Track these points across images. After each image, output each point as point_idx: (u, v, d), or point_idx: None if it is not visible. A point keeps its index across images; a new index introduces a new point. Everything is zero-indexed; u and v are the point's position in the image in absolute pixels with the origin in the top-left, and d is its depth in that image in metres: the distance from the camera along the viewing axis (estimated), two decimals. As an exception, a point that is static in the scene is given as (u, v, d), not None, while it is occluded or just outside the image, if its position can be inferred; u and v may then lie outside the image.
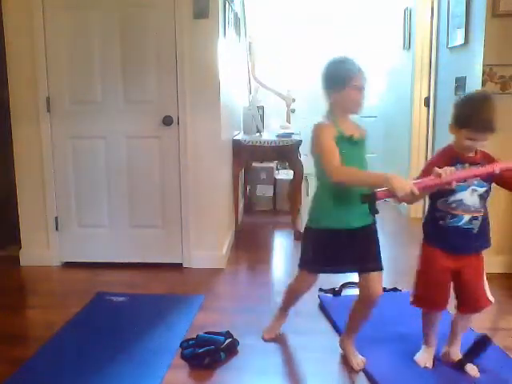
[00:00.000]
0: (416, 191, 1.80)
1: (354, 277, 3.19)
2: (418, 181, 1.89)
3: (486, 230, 2.11)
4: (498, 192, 3.12)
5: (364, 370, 2.16)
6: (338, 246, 2.10)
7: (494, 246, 3.25)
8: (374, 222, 2.14)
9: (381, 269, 2.14)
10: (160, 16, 3.27)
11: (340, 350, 2.31)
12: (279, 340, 2.41)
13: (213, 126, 3.37)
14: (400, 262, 3.66)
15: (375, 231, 2.16)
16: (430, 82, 4.59)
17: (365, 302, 2.19)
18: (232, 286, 3.26)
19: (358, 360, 2.23)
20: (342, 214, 2.07)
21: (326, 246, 2.12)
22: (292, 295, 2.41)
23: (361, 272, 2.15)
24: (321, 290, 2.96)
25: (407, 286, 3.05)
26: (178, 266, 3.47)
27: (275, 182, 5.28)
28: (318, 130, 2.04)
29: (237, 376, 2.18)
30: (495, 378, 2.09)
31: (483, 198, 2.06)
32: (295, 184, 4.33)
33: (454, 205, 2.01)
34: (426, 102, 4.71)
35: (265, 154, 4.30)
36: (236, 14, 4.35)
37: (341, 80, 2.01)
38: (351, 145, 2.04)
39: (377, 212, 1.84)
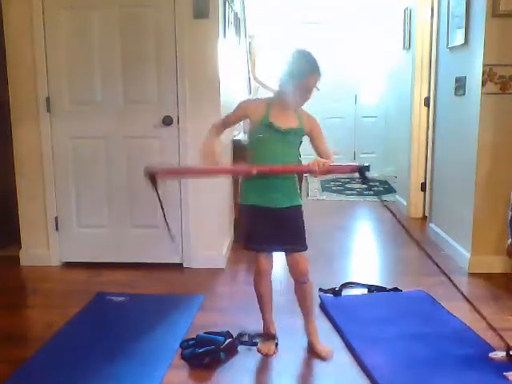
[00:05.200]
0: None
1: (354, 277, 3.22)
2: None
3: None
4: (497, 191, 3.14)
5: (364, 370, 2.16)
6: (262, 222, 2.20)
7: (493, 246, 3.28)
8: (299, 205, 2.27)
9: (303, 250, 2.26)
10: (160, 16, 3.27)
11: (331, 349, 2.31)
12: (279, 340, 2.41)
13: (213, 126, 3.36)
14: (400, 263, 3.67)
15: (298, 214, 2.26)
16: (430, 82, 4.59)
17: (296, 280, 2.33)
18: (232, 286, 3.26)
19: (324, 348, 2.31)
20: (263, 192, 2.19)
21: (252, 222, 2.24)
22: (257, 292, 2.38)
23: (286, 253, 2.28)
24: (321, 289, 2.96)
25: (407, 286, 3.06)
26: (178, 266, 3.47)
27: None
28: (242, 102, 2.30)
29: (237, 376, 2.18)
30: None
31: None
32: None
33: None
34: (426, 102, 4.71)
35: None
36: (236, 14, 4.35)
37: (293, 74, 2.10)
38: (274, 132, 2.14)
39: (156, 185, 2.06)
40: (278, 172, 2.17)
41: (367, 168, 2.12)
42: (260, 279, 2.35)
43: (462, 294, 2.25)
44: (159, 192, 2.08)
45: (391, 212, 2.33)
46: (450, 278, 2.22)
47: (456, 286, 2.25)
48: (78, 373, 2.15)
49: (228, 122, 2.34)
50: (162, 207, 2.20)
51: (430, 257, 2.19)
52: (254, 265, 2.35)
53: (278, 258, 2.39)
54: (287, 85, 2.12)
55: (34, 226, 3.53)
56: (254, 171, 2.10)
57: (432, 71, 4.41)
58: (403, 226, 2.47)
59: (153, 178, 2.06)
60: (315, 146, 2.25)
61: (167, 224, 2.27)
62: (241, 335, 2.38)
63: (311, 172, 2.10)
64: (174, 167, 2.51)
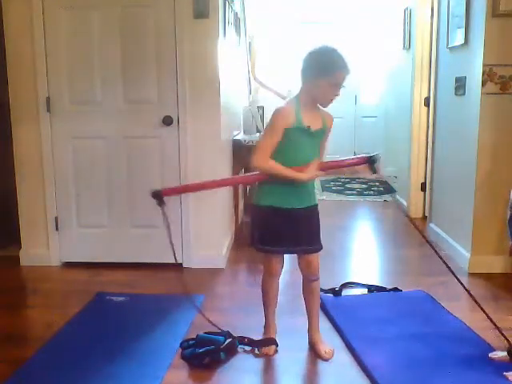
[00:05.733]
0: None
1: (354, 277, 3.22)
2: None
3: None
4: (497, 191, 3.14)
5: (364, 370, 2.16)
6: (278, 224, 2.18)
7: (493, 246, 3.28)
8: (315, 205, 2.26)
9: (319, 250, 2.26)
10: (160, 16, 3.27)
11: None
12: (279, 340, 2.41)
13: (213, 126, 3.37)
14: (400, 263, 3.67)
15: (317, 213, 2.27)
16: (430, 82, 4.59)
17: (307, 277, 2.31)
18: (232, 286, 3.26)
19: (326, 348, 2.29)
20: (282, 193, 2.15)
21: (270, 224, 2.20)
22: (264, 292, 2.38)
23: (300, 254, 2.26)
24: (321, 289, 2.94)
25: (407, 286, 3.06)
26: (178, 266, 3.47)
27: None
28: (275, 115, 2.11)
29: (237, 376, 2.18)
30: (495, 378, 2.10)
31: None
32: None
33: None
34: (426, 102, 4.72)
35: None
36: (236, 14, 4.35)
37: (322, 71, 2.04)
38: (306, 135, 2.11)
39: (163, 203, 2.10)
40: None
41: (376, 159, 2.09)
42: (270, 280, 2.34)
43: (469, 293, 2.26)
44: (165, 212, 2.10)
45: (430, 245, 2.38)
46: (459, 281, 2.23)
47: (464, 286, 2.26)
48: (78, 373, 2.15)
49: (276, 142, 2.11)
50: (168, 227, 2.18)
51: (443, 260, 2.21)
52: (265, 265, 2.34)
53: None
54: (315, 82, 2.06)
55: (34, 226, 3.53)
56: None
57: (432, 71, 4.41)
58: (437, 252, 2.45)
59: (159, 197, 2.09)
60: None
61: (172, 245, 2.27)
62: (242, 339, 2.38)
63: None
64: (179, 186, 2.45)
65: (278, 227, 2.18)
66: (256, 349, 2.33)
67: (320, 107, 2.18)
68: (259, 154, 2.10)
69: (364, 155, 2.16)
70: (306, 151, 2.14)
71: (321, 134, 2.18)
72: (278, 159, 2.11)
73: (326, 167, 2.15)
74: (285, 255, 2.34)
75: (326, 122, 2.19)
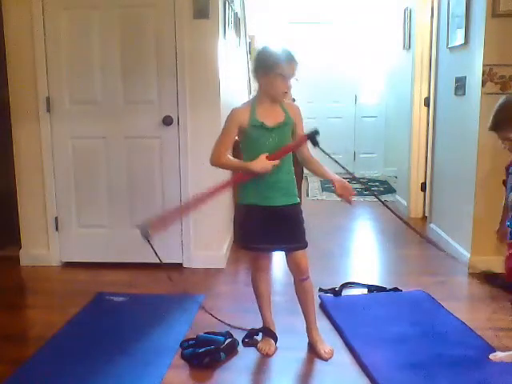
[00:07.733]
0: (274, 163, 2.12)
1: (354, 277, 3.22)
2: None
3: None
4: (497, 191, 3.14)
5: (364, 370, 2.16)
6: (261, 222, 2.20)
7: (493, 246, 3.27)
8: (298, 203, 2.27)
9: (304, 247, 2.26)
10: (160, 16, 3.27)
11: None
12: (279, 340, 2.41)
13: (213, 126, 3.35)
14: (400, 263, 3.67)
15: (298, 212, 2.28)
16: (430, 82, 4.59)
17: (298, 278, 2.31)
18: (232, 286, 3.26)
19: (325, 348, 2.30)
20: (262, 191, 2.18)
21: (250, 222, 2.22)
22: (255, 288, 2.39)
23: (287, 252, 2.27)
24: (321, 289, 2.96)
25: (407, 286, 3.06)
26: (177, 266, 3.47)
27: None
28: (228, 115, 2.21)
29: (237, 376, 2.18)
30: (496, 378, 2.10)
31: None
32: (295, 184, 4.32)
33: None
34: (426, 102, 4.71)
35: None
36: (236, 14, 4.35)
37: (267, 66, 2.11)
38: (264, 131, 2.14)
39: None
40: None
41: (316, 132, 2.11)
42: (259, 276, 2.36)
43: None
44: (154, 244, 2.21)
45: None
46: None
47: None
48: (78, 373, 2.15)
49: (230, 141, 2.22)
50: (159, 258, 2.29)
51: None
52: (253, 262, 2.36)
53: (277, 259, 2.39)
54: (266, 78, 2.12)
55: (34, 226, 3.53)
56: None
57: (432, 71, 4.41)
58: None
59: (147, 234, 2.18)
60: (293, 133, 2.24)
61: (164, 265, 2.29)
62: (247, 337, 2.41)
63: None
64: (166, 214, 2.45)
65: (259, 225, 2.20)
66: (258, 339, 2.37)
67: (284, 101, 2.22)
68: (214, 152, 2.21)
69: (303, 134, 2.19)
70: (269, 146, 2.15)
71: (284, 127, 2.19)
72: (246, 159, 2.19)
73: (275, 156, 2.14)
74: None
75: (290, 113, 2.21)
